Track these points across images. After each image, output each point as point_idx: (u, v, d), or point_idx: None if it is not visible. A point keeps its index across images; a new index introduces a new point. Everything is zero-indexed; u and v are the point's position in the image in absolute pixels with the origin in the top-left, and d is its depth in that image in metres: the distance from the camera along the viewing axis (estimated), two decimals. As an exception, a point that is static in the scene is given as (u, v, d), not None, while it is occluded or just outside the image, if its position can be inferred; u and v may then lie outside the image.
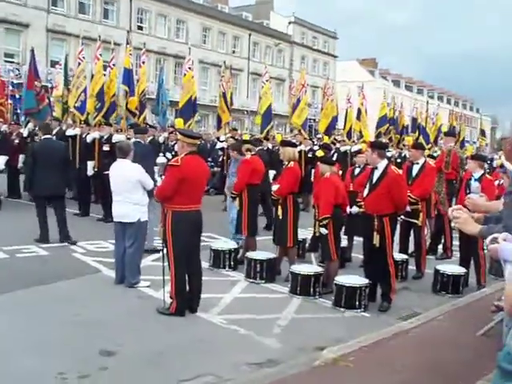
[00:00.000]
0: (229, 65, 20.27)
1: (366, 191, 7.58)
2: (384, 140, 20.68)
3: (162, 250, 7.00)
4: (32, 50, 17.14)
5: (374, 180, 7.47)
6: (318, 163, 8.88)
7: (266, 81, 18.66)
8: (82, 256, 9.51)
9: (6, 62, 35.76)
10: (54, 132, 14.67)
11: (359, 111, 21.96)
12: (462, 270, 8.47)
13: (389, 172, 7.42)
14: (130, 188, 7.76)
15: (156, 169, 11.85)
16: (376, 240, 7.33)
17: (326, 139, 18.46)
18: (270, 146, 16.30)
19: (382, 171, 7.42)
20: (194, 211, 6.73)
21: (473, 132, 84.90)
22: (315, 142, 19.63)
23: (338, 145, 19.17)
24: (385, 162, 7.53)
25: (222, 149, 17.33)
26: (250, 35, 54.16)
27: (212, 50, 49.99)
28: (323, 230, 7.92)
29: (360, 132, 21.58)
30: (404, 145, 21.35)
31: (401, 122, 26.61)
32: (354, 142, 20.65)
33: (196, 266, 6.96)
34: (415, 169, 9.36)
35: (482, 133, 29.90)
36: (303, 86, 19.16)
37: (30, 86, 16.15)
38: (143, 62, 17.23)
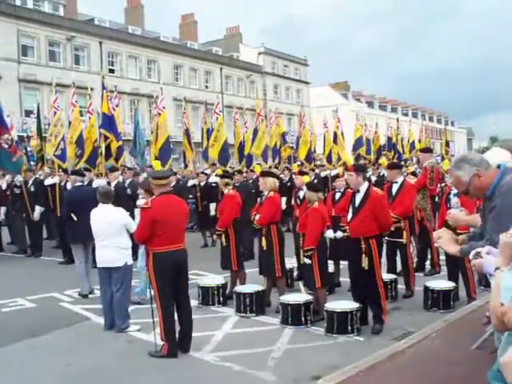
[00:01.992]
0: (203, 100, 20.36)
1: (349, 215, 7.56)
2: (362, 162, 20.85)
3: (150, 292, 6.95)
4: None
5: (357, 203, 7.47)
6: (305, 190, 8.86)
7: (220, 111, 18.59)
8: (69, 305, 9.40)
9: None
10: (30, 182, 14.58)
11: (335, 135, 22.11)
12: (451, 285, 8.48)
13: (371, 193, 7.44)
14: (116, 232, 7.73)
15: (137, 212, 11.82)
16: (365, 263, 7.32)
17: (295, 167, 18.43)
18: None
19: (365, 193, 7.43)
20: (175, 250, 6.69)
21: (450, 145, 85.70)
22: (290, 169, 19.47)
23: (317, 170, 19.25)
24: (366, 184, 7.56)
25: (194, 186, 16.89)
26: (221, 69, 54.57)
27: (185, 86, 50.23)
28: (307, 260, 7.92)
29: (338, 155, 21.70)
30: (380, 164, 21.53)
31: (377, 142, 26.90)
32: (334, 166, 20.74)
33: (185, 306, 6.90)
34: (394, 188, 9.43)
35: (447, 144, 30.37)
36: (259, 115, 19.14)
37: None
38: (116, 105, 17.20)
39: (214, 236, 14.95)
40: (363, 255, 7.32)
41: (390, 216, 7.94)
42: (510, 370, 2.25)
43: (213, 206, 15.25)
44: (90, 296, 9.82)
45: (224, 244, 9.33)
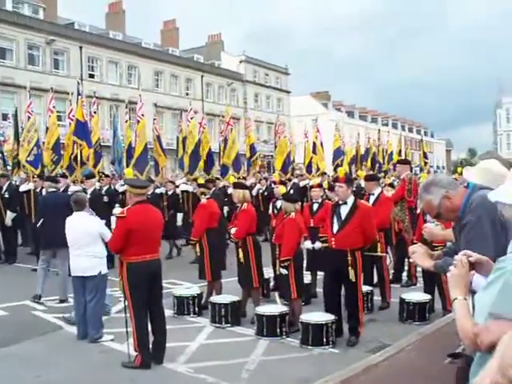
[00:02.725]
0: (183, 107, 20.15)
1: (335, 227, 7.49)
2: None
3: (124, 302, 6.87)
4: None
5: (344, 215, 7.43)
6: (282, 201, 8.83)
7: (191, 118, 18.30)
8: (42, 313, 9.25)
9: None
10: (4, 188, 14.37)
11: (314, 145, 22.14)
12: (426, 297, 8.50)
13: (359, 206, 7.46)
14: (90, 241, 7.64)
15: (113, 220, 11.72)
16: (352, 275, 7.30)
17: (276, 176, 18.27)
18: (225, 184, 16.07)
19: (352, 206, 7.42)
20: (150, 260, 6.63)
21: (429, 156, 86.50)
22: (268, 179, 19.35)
23: (295, 179, 19.27)
24: (353, 197, 7.54)
25: (184, 191, 16.60)
26: (202, 76, 54.55)
27: (165, 93, 50.14)
28: (283, 271, 7.88)
29: (317, 165, 21.70)
30: (358, 175, 21.61)
31: (358, 153, 27.03)
32: (313, 175, 20.75)
33: (158, 316, 6.83)
34: (371, 200, 9.46)
35: (425, 155, 30.62)
36: (228, 124, 18.97)
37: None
38: (95, 112, 17.05)
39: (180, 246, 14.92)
40: (349, 268, 7.30)
41: (375, 229, 7.93)
42: None
43: (180, 215, 15.16)
44: (60, 305, 9.69)
45: (198, 254, 9.27)
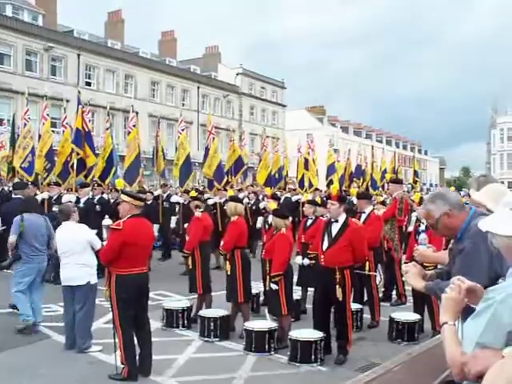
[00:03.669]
0: (178, 117, 19.86)
1: (324, 245, 7.51)
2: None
3: (112, 313, 6.84)
4: None
5: (334, 233, 7.44)
6: (272, 216, 8.83)
7: (182, 130, 17.96)
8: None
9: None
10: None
11: (306, 161, 22.08)
12: (416, 317, 8.50)
13: (350, 224, 7.47)
14: (80, 250, 7.62)
15: (104, 230, 11.72)
16: (339, 293, 7.30)
17: (268, 190, 18.12)
18: (217, 199, 15.94)
19: (343, 224, 7.43)
20: (139, 274, 6.63)
21: (423, 174, 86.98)
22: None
23: (288, 194, 19.29)
24: (344, 215, 7.56)
25: (177, 203, 16.75)
26: (198, 88, 54.65)
27: (161, 103, 50.20)
28: (274, 286, 7.88)
29: (310, 181, 21.66)
30: (349, 192, 21.62)
31: (349, 169, 27.02)
32: (305, 191, 20.73)
33: (144, 329, 6.83)
34: (362, 218, 9.49)
35: (415, 173, 30.70)
36: (210, 133, 18.68)
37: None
38: (89, 121, 16.97)
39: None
40: (337, 286, 7.30)
41: (366, 248, 7.92)
42: None
43: (156, 227, 15.09)
44: (49, 313, 9.64)
45: (190, 267, 9.26)
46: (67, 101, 22.51)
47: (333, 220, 7.53)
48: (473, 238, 3.63)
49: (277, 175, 21.98)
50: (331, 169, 24.41)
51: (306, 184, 21.54)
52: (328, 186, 22.70)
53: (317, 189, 20.90)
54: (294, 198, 18.57)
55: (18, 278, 8.63)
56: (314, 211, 10.06)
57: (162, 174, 18.91)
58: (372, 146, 31.17)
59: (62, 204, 12.58)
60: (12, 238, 8.62)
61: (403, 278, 4.10)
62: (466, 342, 2.37)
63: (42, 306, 9.91)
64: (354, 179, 26.56)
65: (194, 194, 10.81)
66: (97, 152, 17.19)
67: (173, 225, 16.60)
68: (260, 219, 15.68)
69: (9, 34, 38.43)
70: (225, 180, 17.92)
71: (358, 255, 7.49)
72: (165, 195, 16.96)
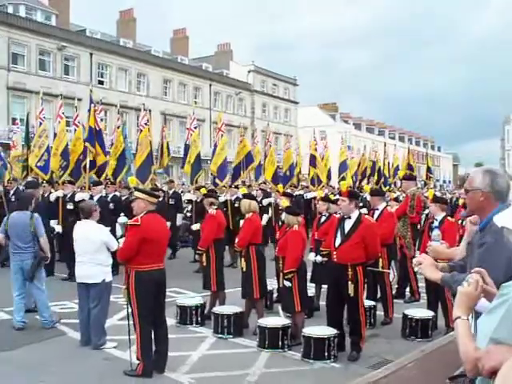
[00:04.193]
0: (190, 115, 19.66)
1: (337, 241, 7.52)
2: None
3: (127, 309, 6.89)
4: None
5: (347, 230, 7.44)
6: (284, 214, 8.84)
7: (195, 128, 17.90)
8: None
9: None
10: (12, 192, 14.51)
11: (313, 157, 21.99)
12: (429, 314, 8.49)
13: (363, 221, 7.46)
14: (95, 249, 7.65)
15: (118, 228, 11.76)
16: (351, 290, 7.30)
17: (280, 188, 17.95)
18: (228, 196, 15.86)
19: (356, 220, 7.43)
20: (157, 270, 6.68)
21: (436, 170, 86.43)
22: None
23: (302, 191, 19.27)
24: (357, 211, 7.55)
25: (190, 201, 16.60)
26: (210, 85, 54.72)
27: (173, 101, 50.33)
28: (287, 283, 7.90)
29: (318, 177, 21.56)
30: (362, 189, 21.59)
31: (363, 165, 26.95)
32: (317, 188, 20.67)
33: (161, 325, 6.87)
34: (375, 215, 9.47)
35: (429, 170, 30.55)
36: (219, 130, 18.61)
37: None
38: (101, 119, 17.03)
39: None
40: (349, 282, 7.30)
41: (379, 245, 7.90)
42: None
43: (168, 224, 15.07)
44: (64, 310, 9.76)
45: (204, 264, 9.28)
46: (79, 100, 22.58)
47: (346, 216, 7.53)
48: (494, 234, 3.58)
49: (288, 172, 21.89)
50: (343, 166, 24.33)
51: (315, 180, 21.45)
52: (339, 183, 22.62)
53: (330, 186, 20.86)
54: (306, 196, 18.52)
55: None
56: (328, 208, 10.06)
57: (165, 171, 18.92)
58: (385, 143, 31.08)
59: (76, 202, 12.76)
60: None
61: (416, 269, 4.02)
62: (480, 337, 2.36)
63: (55, 303, 10.04)
64: (370, 177, 26.45)
65: (204, 191, 10.83)
66: (108, 150, 17.28)
67: (179, 222, 16.55)
68: (265, 217, 15.69)
69: (22, 34, 38.69)
70: (227, 177, 17.82)
71: (371, 252, 7.49)
72: (170, 192, 16.90)
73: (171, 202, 16.56)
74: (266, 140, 21.16)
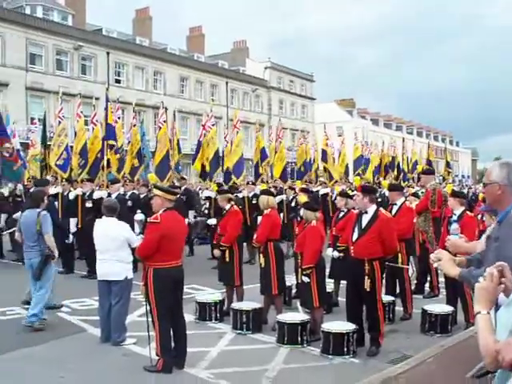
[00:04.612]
0: (207, 113, 19.60)
1: (354, 236, 7.51)
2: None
3: (146, 306, 6.94)
4: None
5: (364, 224, 7.43)
6: (302, 210, 8.82)
7: (212, 125, 17.91)
8: (66, 315, 9.40)
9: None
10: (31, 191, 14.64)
11: (325, 152, 21.90)
12: (449, 309, 8.45)
13: (380, 215, 7.43)
14: (117, 246, 7.68)
15: (136, 225, 11.84)
16: (367, 285, 7.29)
17: (298, 184, 17.87)
18: (245, 193, 15.81)
19: (373, 215, 7.42)
20: (175, 267, 6.71)
21: (455, 165, 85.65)
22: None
23: (317, 187, 19.23)
24: (374, 206, 7.53)
25: (208, 198, 16.59)
26: (227, 83, 54.81)
27: (190, 99, 50.47)
28: (305, 279, 7.90)
29: (329, 173, 21.47)
30: (380, 184, 21.54)
31: (384, 161, 26.87)
32: (332, 184, 20.63)
33: (179, 322, 6.91)
34: (394, 210, 9.44)
35: (448, 165, 30.37)
36: (235, 127, 18.53)
37: (-1, 149, 16.01)
38: (118, 118, 17.08)
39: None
40: (366, 277, 7.29)
41: (396, 240, 7.88)
42: None
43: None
44: (84, 307, 9.88)
45: (227, 260, 9.24)
46: (97, 99, 22.69)
47: (363, 211, 7.52)
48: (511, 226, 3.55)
49: (302, 168, 21.81)
50: (358, 162, 24.19)
51: (325, 176, 21.39)
52: (354, 178, 22.55)
53: (348, 181, 20.79)
54: (321, 192, 18.47)
55: None
56: (346, 203, 10.04)
57: (176, 168, 18.93)
58: (403, 138, 30.93)
59: (94, 200, 12.87)
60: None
61: (435, 265, 3.99)
62: (500, 330, 2.36)
63: (76, 300, 10.14)
64: (390, 172, 26.37)
65: (215, 187, 10.83)
66: (125, 148, 17.38)
67: (191, 219, 16.52)
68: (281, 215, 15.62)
69: (39, 34, 39.09)
70: (244, 174, 17.83)
71: (388, 247, 7.46)
72: (182, 188, 16.88)
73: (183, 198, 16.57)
74: (276, 136, 20.97)
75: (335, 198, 17.83)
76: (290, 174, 21.10)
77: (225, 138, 18.63)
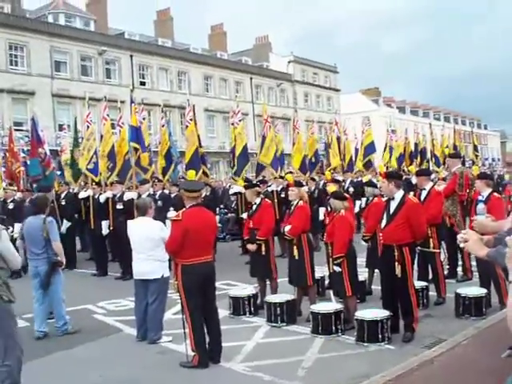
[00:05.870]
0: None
1: (383, 222, 7.54)
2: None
3: (181, 304, 7.02)
4: (32, 118, 17.11)
5: (392, 210, 7.43)
6: (331, 199, 8.83)
7: (240, 121, 17.52)
8: (102, 317, 9.55)
9: (15, 130, 36.29)
10: (63, 196, 14.91)
11: (338, 140, 21.95)
12: (482, 292, 8.38)
13: (407, 201, 7.41)
14: (153, 245, 7.76)
15: (168, 224, 11.91)
16: (398, 270, 7.29)
17: (328, 174, 17.81)
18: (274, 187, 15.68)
19: (400, 201, 7.40)
20: (203, 263, 6.77)
21: (483, 148, 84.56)
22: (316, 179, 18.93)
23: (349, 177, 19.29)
24: (401, 192, 7.51)
25: (236, 193, 16.35)
26: (251, 79, 54.79)
27: (215, 97, 50.61)
28: (337, 268, 7.92)
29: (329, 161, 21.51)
30: (409, 171, 21.44)
31: (408, 148, 26.70)
32: (356, 174, 20.71)
33: (213, 317, 6.98)
34: (423, 195, 9.39)
35: (475, 148, 29.97)
36: (266, 121, 18.21)
37: (34, 153, 16.28)
38: (144, 119, 17.15)
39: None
40: (396, 263, 7.29)
41: (425, 224, 7.85)
42: None
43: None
44: (119, 308, 10.01)
45: (264, 253, 9.28)
46: (122, 102, 22.88)
47: (391, 198, 7.52)
48: None
49: (313, 159, 21.57)
50: (369, 148, 23.81)
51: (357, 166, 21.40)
52: (365, 165, 22.41)
53: (373, 170, 20.75)
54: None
55: None
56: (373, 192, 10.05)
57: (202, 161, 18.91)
58: (430, 124, 30.63)
59: (125, 202, 13.03)
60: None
61: (461, 245, 3.99)
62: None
63: (111, 301, 10.26)
64: (415, 160, 26.23)
65: (241, 182, 10.84)
66: (154, 150, 17.52)
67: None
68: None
69: (63, 41, 39.54)
70: (280, 167, 17.85)
71: (417, 232, 7.43)
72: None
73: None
74: (293, 126, 20.87)
75: (348, 187, 18.01)
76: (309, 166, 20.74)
77: (263, 135, 18.34)
